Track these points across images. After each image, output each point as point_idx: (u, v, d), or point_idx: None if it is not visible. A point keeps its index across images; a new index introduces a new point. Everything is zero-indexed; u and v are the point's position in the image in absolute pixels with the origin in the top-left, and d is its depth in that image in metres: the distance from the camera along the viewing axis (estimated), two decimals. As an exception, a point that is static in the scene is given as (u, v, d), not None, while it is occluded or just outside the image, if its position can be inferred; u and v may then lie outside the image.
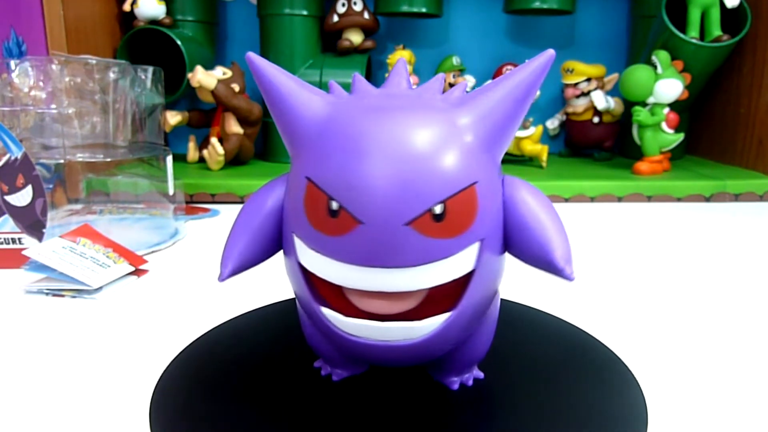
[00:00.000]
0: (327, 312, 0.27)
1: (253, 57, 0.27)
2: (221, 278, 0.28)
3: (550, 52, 0.25)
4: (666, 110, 0.93)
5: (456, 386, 0.32)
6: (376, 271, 0.24)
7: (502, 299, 0.44)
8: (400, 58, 0.31)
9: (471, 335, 0.30)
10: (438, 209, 0.24)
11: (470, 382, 0.32)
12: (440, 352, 0.29)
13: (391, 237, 0.24)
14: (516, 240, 0.27)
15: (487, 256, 0.26)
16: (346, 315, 0.27)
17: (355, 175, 0.24)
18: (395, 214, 0.24)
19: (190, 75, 0.94)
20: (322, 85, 1.00)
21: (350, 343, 0.27)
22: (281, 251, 0.29)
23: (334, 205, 0.24)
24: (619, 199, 0.87)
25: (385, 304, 0.26)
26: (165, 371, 0.33)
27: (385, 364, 0.31)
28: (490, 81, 0.32)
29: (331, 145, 0.25)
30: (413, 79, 1.04)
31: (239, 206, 0.91)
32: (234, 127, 0.96)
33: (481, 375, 0.33)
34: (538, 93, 1.05)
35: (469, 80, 1.09)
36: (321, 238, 0.25)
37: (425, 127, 0.24)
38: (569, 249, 0.26)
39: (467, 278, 0.26)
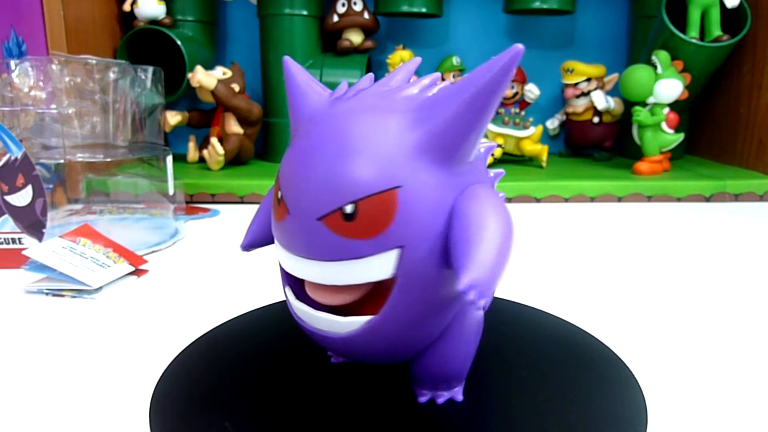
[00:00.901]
0: (287, 291, 0.30)
1: (287, 60, 0.30)
2: (241, 247, 0.32)
3: (517, 48, 0.23)
4: (666, 110, 0.93)
5: (422, 399, 0.30)
6: (300, 260, 0.26)
7: (501, 299, 0.44)
8: (416, 58, 0.30)
9: (432, 349, 0.29)
10: (348, 209, 0.24)
11: (439, 401, 0.30)
12: (380, 354, 0.28)
13: (307, 230, 0.25)
14: (448, 254, 0.25)
15: (415, 266, 0.25)
16: (297, 297, 0.29)
17: (291, 167, 0.26)
18: (310, 208, 0.24)
19: (190, 75, 0.94)
20: (322, 85, 1.00)
21: (298, 324, 0.29)
22: None
23: (279, 194, 0.26)
24: (619, 199, 0.87)
25: (320, 294, 0.27)
26: (165, 371, 0.33)
27: (335, 353, 0.32)
28: (462, 77, 0.32)
29: (296, 139, 0.27)
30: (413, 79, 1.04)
31: (239, 206, 0.91)
32: (234, 127, 0.96)
33: (459, 398, 0.30)
34: (537, 93, 1.05)
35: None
36: (273, 223, 0.28)
37: (363, 129, 0.25)
38: (488, 274, 0.22)
39: (390, 285, 0.25)
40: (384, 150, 0.24)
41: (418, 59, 0.30)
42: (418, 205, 0.24)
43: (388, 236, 0.24)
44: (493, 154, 0.98)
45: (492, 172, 0.30)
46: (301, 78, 0.29)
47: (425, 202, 0.24)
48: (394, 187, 0.24)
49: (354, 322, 0.26)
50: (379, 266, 0.25)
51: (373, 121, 0.25)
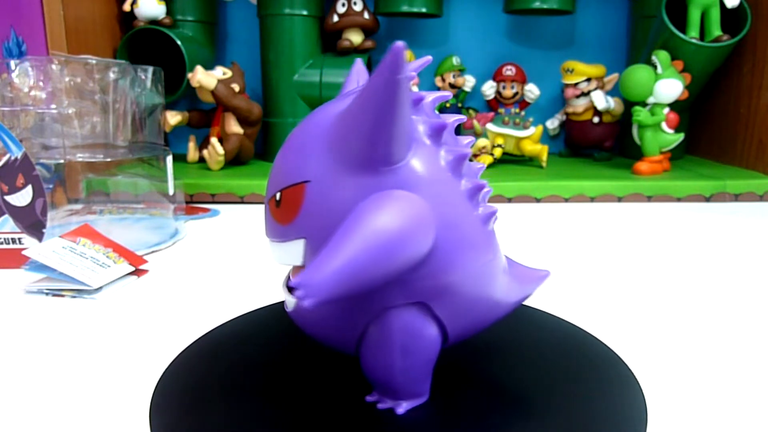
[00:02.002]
0: None
1: (358, 63, 0.32)
2: None
3: (397, 46, 0.23)
4: (666, 110, 0.93)
5: (368, 399, 0.30)
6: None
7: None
8: (426, 57, 0.29)
9: (360, 352, 0.29)
10: (278, 196, 0.27)
11: (379, 406, 0.30)
12: (319, 335, 0.30)
13: (265, 210, 0.29)
14: None
15: None
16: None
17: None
18: (267, 192, 0.29)
19: (190, 75, 0.94)
20: (322, 85, 1.00)
21: None
22: None
23: None
24: (619, 199, 0.87)
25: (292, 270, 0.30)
26: (165, 371, 0.33)
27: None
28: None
29: None
30: (413, 79, 1.04)
31: (239, 206, 0.91)
32: (234, 127, 0.96)
33: (399, 411, 0.29)
34: (537, 93, 1.05)
35: (469, 80, 1.09)
36: None
37: (304, 129, 0.28)
38: (320, 277, 0.22)
39: None
40: (306, 148, 0.27)
41: (429, 58, 0.29)
42: (322, 201, 0.26)
43: (296, 226, 0.27)
44: (493, 154, 0.98)
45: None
46: (353, 80, 0.32)
47: (329, 199, 0.26)
48: (303, 181, 0.26)
49: (291, 301, 0.29)
50: (294, 252, 0.27)
51: (313, 122, 0.27)
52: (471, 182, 0.27)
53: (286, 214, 0.27)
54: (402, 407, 0.29)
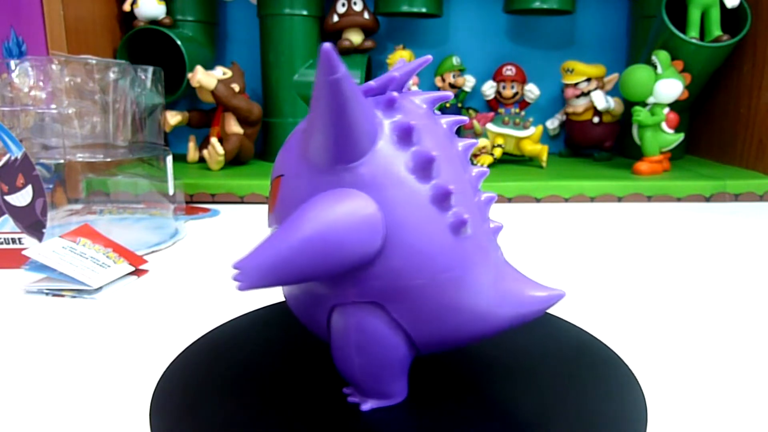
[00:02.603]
0: None
1: (400, 62, 0.31)
2: None
3: (324, 48, 0.23)
4: (666, 110, 0.93)
5: (344, 390, 0.31)
6: None
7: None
8: (426, 56, 0.30)
9: (330, 341, 0.29)
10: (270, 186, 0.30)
11: (349, 399, 0.30)
12: (301, 318, 0.31)
13: None
14: None
15: None
16: None
17: None
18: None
19: (190, 75, 0.94)
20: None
21: None
22: None
23: None
24: (619, 199, 0.87)
25: None
26: (165, 371, 0.33)
27: None
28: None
29: None
30: (414, 79, 1.04)
31: (239, 206, 0.91)
32: (234, 127, 0.96)
33: (365, 407, 0.29)
34: (537, 93, 1.05)
35: (469, 80, 1.09)
36: None
37: (298, 125, 0.29)
38: (254, 264, 0.25)
39: None
40: (289, 143, 0.29)
41: (428, 57, 0.29)
42: (290, 194, 0.27)
43: (275, 215, 0.29)
44: (493, 154, 0.98)
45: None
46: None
47: (294, 193, 0.27)
48: (280, 174, 0.28)
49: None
50: None
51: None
52: (438, 187, 0.26)
53: (271, 204, 0.29)
54: (367, 404, 0.30)
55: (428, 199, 0.26)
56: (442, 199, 0.26)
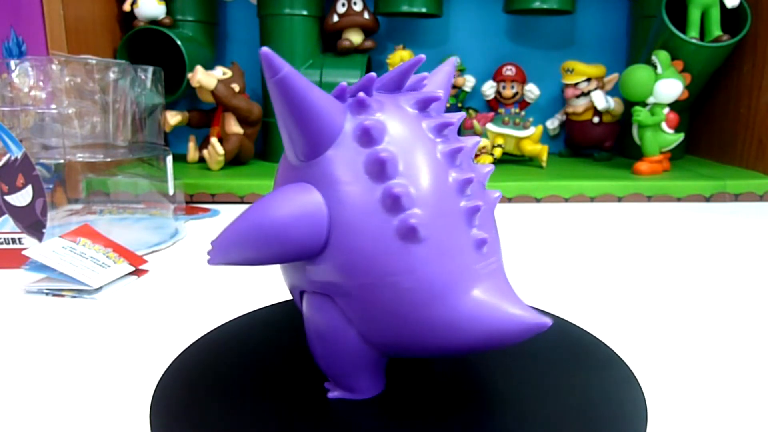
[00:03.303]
0: None
1: (448, 63, 0.35)
2: None
3: (262, 51, 0.24)
4: (666, 110, 0.93)
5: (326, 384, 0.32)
6: None
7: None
8: (419, 56, 0.30)
9: None
10: None
11: (325, 384, 0.31)
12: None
13: None
14: None
15: None
16: None
17: None
18: None
19: (190, 75, 0.94)
20: (322, 85, 1.00)
21: None
22: None
23: None
24: (619, 199, 0.87)
25: None
26: (166, 372, 0.33)
27: None
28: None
29: None
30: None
31: (239, 206, 0.91)
32: (234, 127, 0.96)
33: (332, 396, 0.30)
34: (537, 93, 1.05)
35: (469, 80, 1.09)
36: None
37: None
38: (218, 242, 0.28)
39: None
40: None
41: (421, 57, 0.29)
42: (276, 184, 0.30)
43: None
44: (493, 154, 0.98)
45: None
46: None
47: (276, 183, 0.30)
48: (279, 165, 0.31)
49: None
50: None
51: None
52: (387, 190, 0.26)
53: None
54: (332, 393, 0.31)
55: (377, 200, 0.26)
56: (391, 202, 0.25)
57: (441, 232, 0.26)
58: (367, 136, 0.26)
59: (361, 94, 0.27)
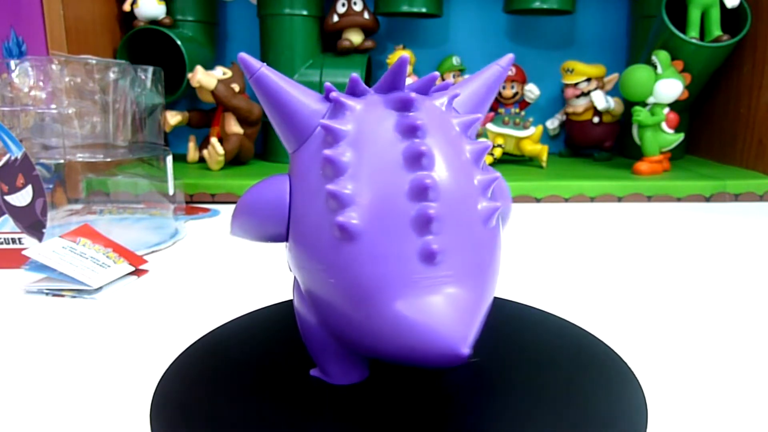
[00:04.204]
0: None
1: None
2: None
3: (239, 56, 0.30)
4: (666, 110, 0.93)
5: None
6: None
7: (502, 299, 0.44)
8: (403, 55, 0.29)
9: None
10: None
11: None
12: None
13: None
14: None
15: None
16: None
17: None
18: None
19: (190, 75, 0.94)
20: (322, 85, 1.00)
21: None
22: None
23: None
24: (619, 199, 0.87)
25: None
26: (166, 372, 0.33)
27: None
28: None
29: None
30: (413, 79, 1.04)
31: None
32: (234, 127, 0.96)
33: (312, 373, 0.33)
34: (537, 93, 1.05)
35: (469, 80, 1.09)
36: None
37: None
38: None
39: None
40: None
41: (405, 56, 0.28)
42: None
43: None
44: (492, 154, 0.98)
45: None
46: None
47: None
48: None
49: None
50: None
51: None
52: (329, 188, 0.26)
53: None
54: (313, 371, 0.33)
55: (323, 198, 0.27)
56: (333, 200, 0.26)
57: (378, 235, 0.26)
58: (331, 137, 0.27)
59: (334, 94, 0.28)
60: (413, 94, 0.28)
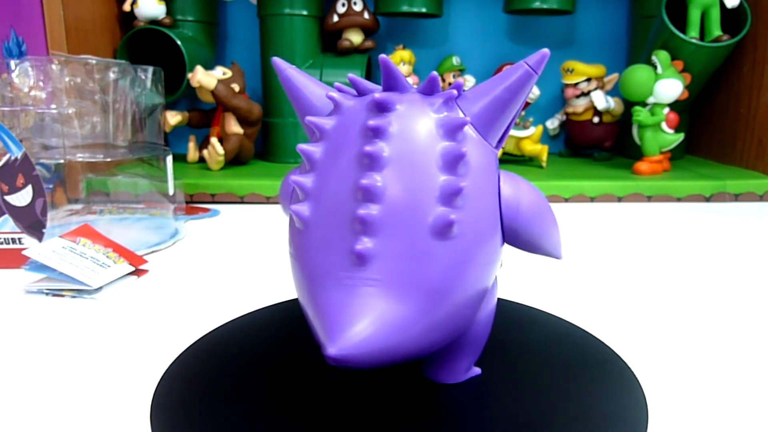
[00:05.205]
0: None
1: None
2: None
3: (272, 60, 0.31)
4: (666, 110, 0.93)
5: None
6: None
7: (502, 299, 0.44)
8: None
9: None
10: None
11: None
12: None
13: None
14: None
15: None
16: None
17: None
18: None
19: (190, 75, 0.94)
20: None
21: None
22: None
23: None
24: (619, 199, 0.87)
25: None
26: (166, 372, 0.33)
27: None
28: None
29: None
30: (413, 78, 1.04)
31: (239, 206, 0.91)
32: (234, 127, 0.96)
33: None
34: (537, 93, 1.05)
35: (469, 80, 1.09)
36: None
37: None
38: None
39: None
40: None
41: (381, 56, 0.28)
42: None
43: None
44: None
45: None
46: None
47: None
48: None
49: None
50: None
51: None
52: (295, 180, 0.28)
53: None
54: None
55: (293, 188, 0.29)
56: (298, 190, 0.28)
57: (322, 229, 0.27)
58: (317, 133, 0.28)
59: (330, 93, 0.29)
60: (394, 95, 0.27)
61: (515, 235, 0.29)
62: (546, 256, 0.31)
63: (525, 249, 0.30)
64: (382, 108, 0.27)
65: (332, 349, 0.23)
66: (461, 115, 0.28)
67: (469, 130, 0.28)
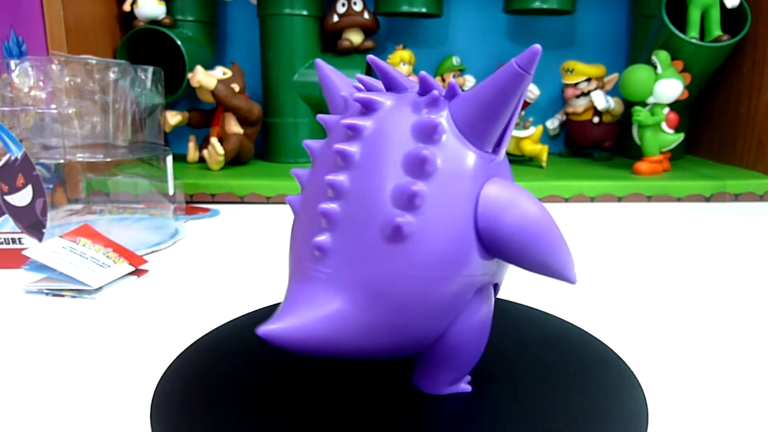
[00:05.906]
0: None
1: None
2: None
3: (316, 62, 0.32)
4: (666, 110, 0.93)
5: None
6: None
7: (502, 299, 0.44)
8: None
9: None
10: None
11: None
12: None
13: None
14: None
15: None
16: None
17: None
18: None
19: (190, 75, 0.94)
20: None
21: None
22: None
23: None
24: (619, 199, 0.87)
25: None
26: (166, 372, 0.33)
27: None
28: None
29: None
30: (414, 79, 1.04)
31: (239, 206, 0.91)
32: (234, 127, 0.96)
33: None
34: (537, 93, 1.05)
35: (469, 80, 1.09)
36: None
37: None
38: None
39: None
40: None
41: (370, 56, 0.31)
42: None
43: None
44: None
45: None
46: None
47: None
48: None
49: None
50: None
51: None
52: (294, 171, 0.31)
53: None
54: None
55: None
56: (297, 180, 0.30)
57: (303, 220, 0.29)
58: (327, 131, 0.30)
59: (344, 93, 0.30)
60: (384, 95, 0.28)
61: (499, 249, 0.27)
62: (556, 279, 0.29)
63: (523, 267, 0.28)
64: (368, 108, 0.28)
65: (262, 329, 0.25)
66: (444, 116, 0.26)
67: (449, 132, 0.26)
